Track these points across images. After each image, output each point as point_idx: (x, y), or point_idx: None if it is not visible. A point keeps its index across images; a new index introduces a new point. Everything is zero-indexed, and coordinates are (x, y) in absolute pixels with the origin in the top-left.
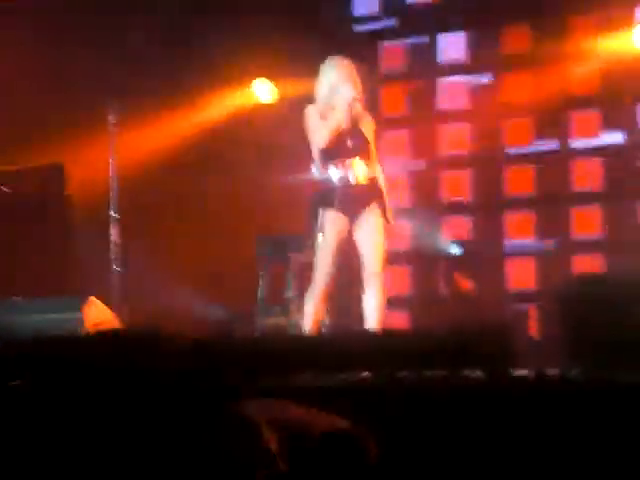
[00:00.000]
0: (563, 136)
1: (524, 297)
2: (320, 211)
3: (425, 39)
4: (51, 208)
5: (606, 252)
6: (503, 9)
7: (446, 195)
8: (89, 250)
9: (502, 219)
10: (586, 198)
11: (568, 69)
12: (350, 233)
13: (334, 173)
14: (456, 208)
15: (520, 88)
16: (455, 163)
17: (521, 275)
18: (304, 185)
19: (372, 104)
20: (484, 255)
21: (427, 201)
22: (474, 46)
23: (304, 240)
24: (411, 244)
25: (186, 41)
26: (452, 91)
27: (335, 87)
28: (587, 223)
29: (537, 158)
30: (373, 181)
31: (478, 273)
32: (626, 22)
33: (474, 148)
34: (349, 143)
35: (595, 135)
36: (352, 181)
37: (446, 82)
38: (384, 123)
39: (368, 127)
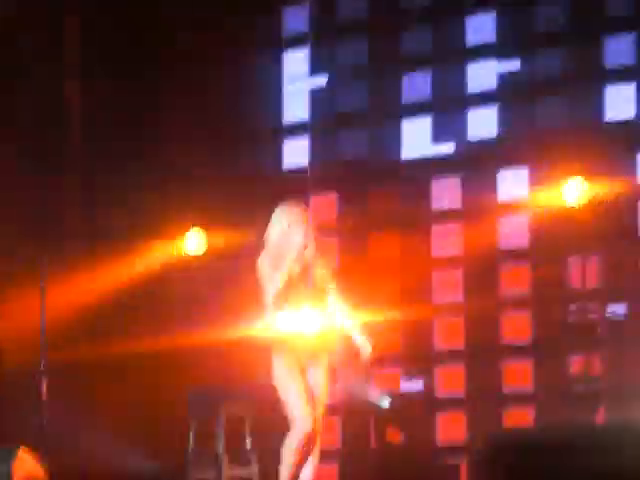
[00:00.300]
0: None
1: (454, 450)
2: (274, 358)
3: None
4: None
5: (535, 405)
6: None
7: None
8: (17, 402)
9: (433, 372)
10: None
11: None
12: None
13: (286, 320)
14: (388, 360)
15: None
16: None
17: (451, 428)
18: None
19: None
20: (415, 408)
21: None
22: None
23: (235, 390)
24: (342, 396)
25: (121, 193)
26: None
27: (287, 233)
28: (517, 376)
29: (466, 312)
30: (324, 330)
31: (408, 426)
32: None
33: (404, 305)
34: (301, 291)
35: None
36: (303, 329)
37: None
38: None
39: (321, 274)
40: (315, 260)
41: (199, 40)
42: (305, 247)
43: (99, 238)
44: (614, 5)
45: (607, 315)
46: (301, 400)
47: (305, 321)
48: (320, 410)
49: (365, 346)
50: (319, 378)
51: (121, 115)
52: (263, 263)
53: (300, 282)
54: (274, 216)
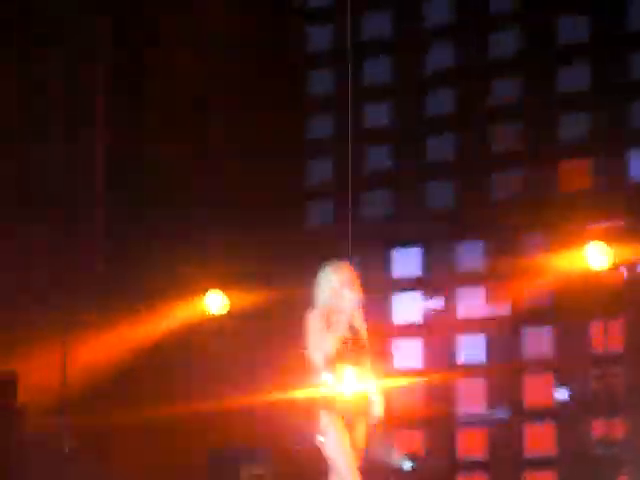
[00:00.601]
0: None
1: None
2: (323, 416)
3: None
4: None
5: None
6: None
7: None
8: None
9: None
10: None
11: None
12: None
13: (333, 379)
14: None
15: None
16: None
17: None
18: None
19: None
20: (435, 469)
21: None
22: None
23: (255, 452)
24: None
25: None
26: None
27: (338, 292)
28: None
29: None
30: (367, 389)
31: None
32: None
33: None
34: (350, 350)
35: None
36: (349, 388)
37: None
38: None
39: (365, 335)
40: (362, 321)
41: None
42: (358, 309)
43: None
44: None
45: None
46: (349, 459)
47: (352, 381)
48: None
49: (377, 406)
50: (359, 437)
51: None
52: (313, 323)
53: (350, 343)
54: (323, 274)
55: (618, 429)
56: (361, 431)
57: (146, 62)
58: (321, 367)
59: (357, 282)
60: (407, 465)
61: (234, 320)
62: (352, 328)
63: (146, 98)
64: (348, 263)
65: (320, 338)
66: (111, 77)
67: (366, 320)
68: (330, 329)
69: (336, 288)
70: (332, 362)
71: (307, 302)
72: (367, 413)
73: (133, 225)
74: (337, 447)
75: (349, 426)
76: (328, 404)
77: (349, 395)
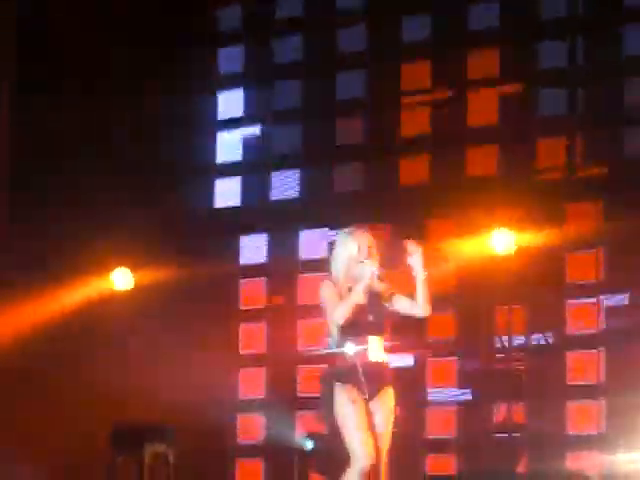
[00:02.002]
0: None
1: None
2: (337, 386)
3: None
4: None
5: (458, 452)
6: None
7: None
8: None
9: None
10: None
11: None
12: (368, 409)
13: (351, 349)
14: (311, 403)
15: None
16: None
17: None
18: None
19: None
20: (338, 450)
21: (282, 395)
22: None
23: (159, 430)
24: (265, 438)
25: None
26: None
27: (355, 259)
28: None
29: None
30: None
31: (331, 469)
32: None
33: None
34: (370, 318)
35: None
36: (370, 358)
37: None
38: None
39: (388, 300)
40: (382, 287)
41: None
42: (375, 275)
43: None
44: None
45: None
46: (362, 434)
47: (370, 351)
48: (385, 444)
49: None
50: (383, 411)
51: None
52: (328, 290)
53: (367, 311)
54: (339, 240)
55: (520, 414)
56: (384, 405)
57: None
58: (336, 336)
59: (374, 249)
60: (308, 445)
61: (140, 297)
62: (374, 297)
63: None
64: (365, 229)
65: (335, 306)
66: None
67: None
68: (344, 297)
69: (353, 255)
70: (349, 331)
71: (212, 279)
72: (390, 384)
73: (37, 209)
74: (349, 424)
75: (369, 400)
76: (343, 375)
77: (370, 365)
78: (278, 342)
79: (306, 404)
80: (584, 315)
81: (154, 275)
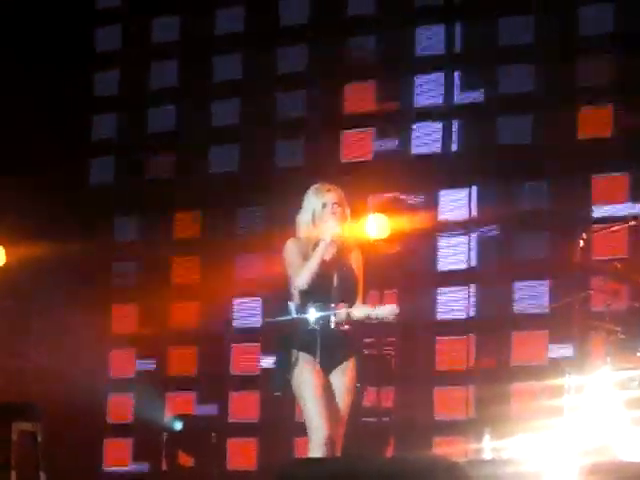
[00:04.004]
0: None
1: (243, 476)
2: (294, 353)
3: None
4: None
5: None
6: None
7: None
8: None
9: (228, 397)
10: None
11: None
12: (326, 379)
13: (313, 314)
14: (181, 383)
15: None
16: (185, 339)
17: (243, 455)
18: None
19: None
20: (205, 431)
21: (152, 375)
22: None
23: (27, 409)
24: (134, 418)
25: None
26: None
27: (320, 217)
28: None
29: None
30: (354, 326)
31: (200, 450)
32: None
33: (203, 325)
34: (334, 282)
35: None
36: (333, 326)
37: None
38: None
39: (356, 262)
40: (351, 247)
41: None
42: (340, 233)
43: None
44: None
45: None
46: (318, 405)
47: (335, 315)
48: (343, 416)
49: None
50: (343, 382)
51: None
52: (292, 249)
53: (332, 273)
54: (306, 198)
55: (389, 399)
56: (345, 374)
57: None
58: (297, 299)
59: (344, 205)
60: (177, 426)
61: (11, 274)
62: (339, 258)
63: None
64: (334, 185)
65: (297, 266)
66: None
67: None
68: (308, 257)
69: (318, 212)
70: (310, 293)
71: (89, 258)
72: (354, 352)
73: None
74: (305, 397)
75: (329, 371)
76: (301, 343)
77: (332, 332)
78: (151, 323)
79: (177, 385)
80: (454, 303)
81: (24, 253)
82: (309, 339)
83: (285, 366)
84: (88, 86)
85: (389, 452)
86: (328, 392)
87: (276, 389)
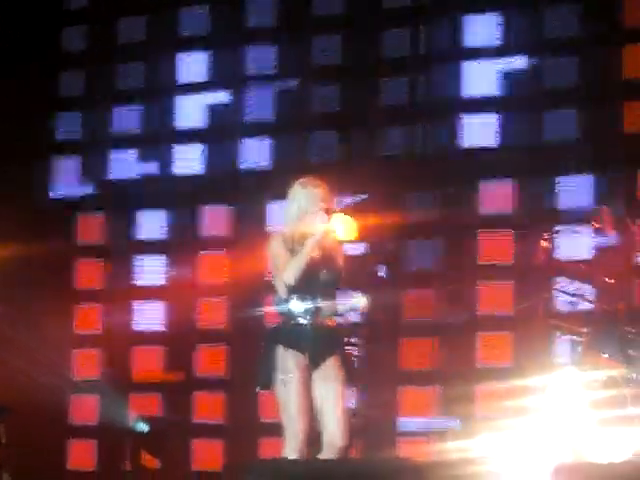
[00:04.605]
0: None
1: (210, 477)
2: (281, 349)
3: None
4: None
5: None
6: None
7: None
8: None
9: (192, 398)
10: None
11: None
12: (310, 378)
13: (299, 309)
14: (145, 385)
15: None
16: (149, 339)
17: (208, 455)
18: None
19: None
20: (171, 433)
21: (117, 377)
22: None
23: None
24: (99, 419)
25: None
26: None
27: (307, 212)
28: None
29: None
30: (342, 320)
31: (164, 451)
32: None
33: (169, 324)
34: (321, 277)
35: None
36: (319, 320)
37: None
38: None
39: (340, 258)
40: (336, 243)
41: None
42: (328, 229)
43: None
44: None
45: None
46: (297, 409)
47: (321, 310)
48: (335, 416)
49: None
50: (329, 380)
51: None
52: (278, 245)
53: (319, 269)
54: (291, 192)
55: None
56: (333, 374)
57: None
58: (282, 295)
59: (331, 200)
60: (142, 427)
61: None
62: (325, 254)
63: None
64: (320, 179)
65: (284, 262)
66: None
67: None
68: (294, 253)
69: (304, 207)
70: (296, 290)
71: (48, 258)
72: (341, 350)
73: None
74: (284, 398)
75: (313, 370)
76: (286, 340)
77: (319, 327)
78: (113, 323)
79: (141, 387)
80: (421, 302)
81: None
82: (296, 335)
83: (271, 362)
84: (54, 87)
85: (355, 453)
86: (309, 396)
87: (261, 386)
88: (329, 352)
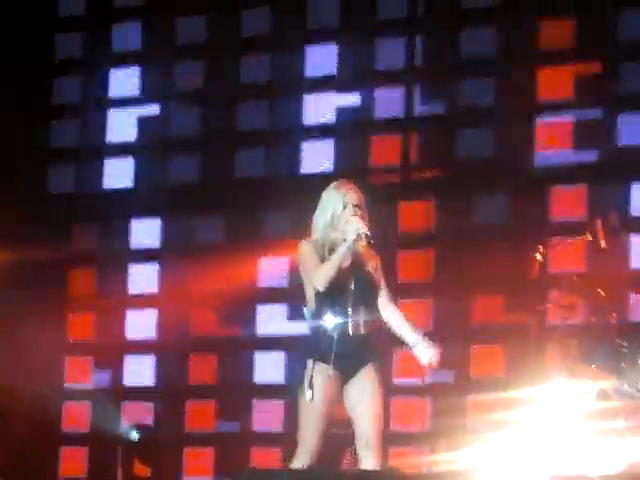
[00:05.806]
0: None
1: None
2: (310, 363)
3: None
4: None
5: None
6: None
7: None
8: None
9: (184, 406)
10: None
11: None
12: (341, 393)
13: (331, 320)
14: (137, 393)
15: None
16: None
17: (200, 464)
18: None
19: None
20: (163, 442)
21: (107, 384)
22: None
23: None
24: (90, 427)
25: None
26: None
27: (339, 218)
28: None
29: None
30: (374, 332)
31: (156, 460)
32: None
33: (162, 335)
34: (352, 287)
35: None
36: (351, 332)
37: None
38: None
39: (373, 266)
40: (369, 251)
41: None
42: (362, 236)
43: None
44: None
45: None
46: (314, 428)
47: (353, 322)
48: (376, 426)
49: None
50: (361, 392)
51: None
52: (308, 251)
53: (351, 277)
54: (324, 196)
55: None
56: (368, 385)
57: None
58: (314, 304)
59: (364, 207)
60: (133, 436)
61: None
62: (358, 262)
63: None
64: (355, 186)
65: (315, 269)
66: None
67: None
68: (326, 259)
69: (337, 213)
70: (327, 300)
71: (42, 265)
72: (374, 361)
73: None
74: (303, 411)
75: (348, 379)
76: (318, 349)
77: (351, 339)
78: (106, 331)
79: (132, 394)
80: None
81: None
82: (325, 347)
83: (301, 374)
84: (48, 93)
85: (344, 464)
86: (334, 412)
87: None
88: (362, 364)
